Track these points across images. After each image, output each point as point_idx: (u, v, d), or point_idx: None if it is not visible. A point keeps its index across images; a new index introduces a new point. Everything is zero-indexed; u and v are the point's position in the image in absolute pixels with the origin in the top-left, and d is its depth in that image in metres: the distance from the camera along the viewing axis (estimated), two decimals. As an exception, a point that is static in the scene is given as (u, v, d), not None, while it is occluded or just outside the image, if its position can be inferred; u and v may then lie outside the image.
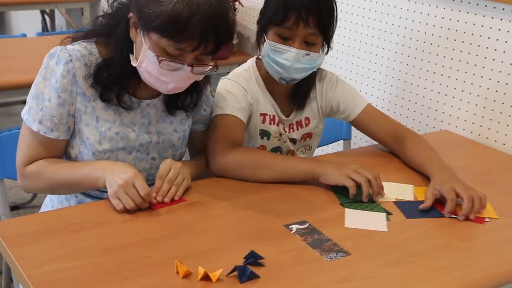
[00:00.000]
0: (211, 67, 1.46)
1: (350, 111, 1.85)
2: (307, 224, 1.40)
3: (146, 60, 1.41)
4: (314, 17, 1.61)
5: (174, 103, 1.59)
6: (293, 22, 1.61)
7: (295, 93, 1.81)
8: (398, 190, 1.56)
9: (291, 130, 1.84)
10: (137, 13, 1.41)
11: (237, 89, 1.73)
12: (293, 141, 1.86)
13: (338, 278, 1.20)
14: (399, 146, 1.80)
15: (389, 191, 1.55)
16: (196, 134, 1.70)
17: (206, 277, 1.16)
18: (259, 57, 1.77)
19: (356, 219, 1.40)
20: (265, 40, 1.68)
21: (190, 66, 1.41)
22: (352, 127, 2.33)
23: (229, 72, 3.19)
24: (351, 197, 1.50)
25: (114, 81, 1.47)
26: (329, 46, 1.73)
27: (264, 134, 1.80)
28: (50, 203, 1.64)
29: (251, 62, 1.82)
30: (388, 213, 1.46)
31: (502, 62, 1.97)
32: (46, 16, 5.02)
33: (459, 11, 2.07)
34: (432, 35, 2.18)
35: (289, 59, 1.65)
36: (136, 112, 1.54)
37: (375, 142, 1.92)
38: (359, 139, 2.52)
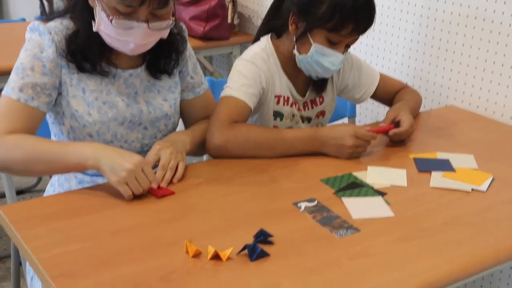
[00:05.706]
0: (170, 22, 1.44)
1: (366, 89, 1.89)
2: (316, 202, 1.39)
3: (102, 22, 1.41)
4: (367, 26, 1.63)
5: (155, 66, 1.58)
6: (349, 32, 1.61)
7: (316, 80, 1.80)
8: (391, 175, 1.54)
9: (306, 108, 1.83)
10: None
11: (252, 72, 1.68)
12: (308, 119, 1.84)
13: (350, 255, 1.20)
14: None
15: (382, 176, 1.53)
16: (187, 104, 1.69)
17: (216, 256, 1.16)
18: (295, 51, 1.69)
19: (360, 209, 1.37)
20: (307, 38, 1.64)
21: (145, 22, 1.40)
22: (356, 105, 2.33)
23: (231, 52, 3.20)
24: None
25: (83, 51, 1.46)
26: None
27: (278, 115, 1.78)
28: (51, 188, 1.62)
29: (266, 41, 1.75)
30: (382, 194, 1.44)
31: None
32: (44, 0, 4.98)
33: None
34: (443, 11, 2.16)
35: (334, 63, 1.66)
36: (120, 83, 1.53)
37: (380, 119, 1.91)
38: (364, 117, 2.51)
